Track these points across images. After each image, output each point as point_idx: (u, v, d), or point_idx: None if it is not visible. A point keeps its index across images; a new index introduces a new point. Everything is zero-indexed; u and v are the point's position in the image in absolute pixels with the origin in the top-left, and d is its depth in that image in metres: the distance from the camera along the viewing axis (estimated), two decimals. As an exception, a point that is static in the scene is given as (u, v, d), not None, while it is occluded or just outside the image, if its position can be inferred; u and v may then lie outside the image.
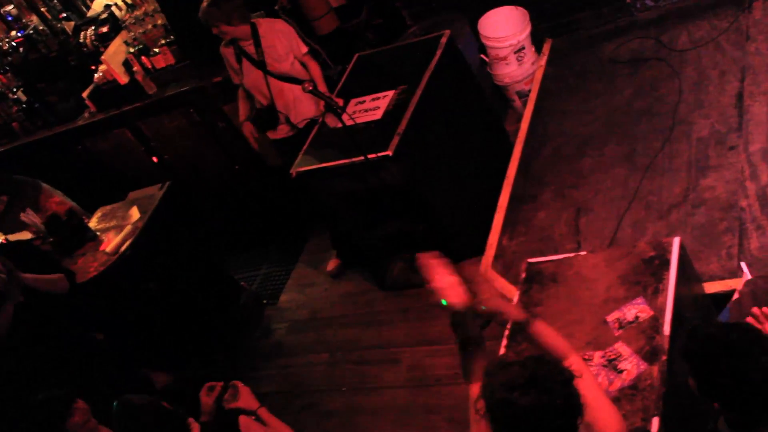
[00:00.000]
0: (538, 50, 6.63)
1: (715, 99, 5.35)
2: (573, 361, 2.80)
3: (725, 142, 5.05)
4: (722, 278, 4.32)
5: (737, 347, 2.64)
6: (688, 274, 4.03)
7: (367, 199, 5.59)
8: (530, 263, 4.30)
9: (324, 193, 5.70)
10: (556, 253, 4.66)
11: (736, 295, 3.59)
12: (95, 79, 7.41)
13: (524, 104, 6.43)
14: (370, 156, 5.04)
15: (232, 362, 6.24)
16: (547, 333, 2.88)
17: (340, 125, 5.16)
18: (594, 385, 2.77)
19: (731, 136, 5.06)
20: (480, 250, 5.36)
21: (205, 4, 5.67)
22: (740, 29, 5.69)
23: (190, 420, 3.97)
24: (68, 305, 5.37)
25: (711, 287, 4.28)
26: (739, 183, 4.75)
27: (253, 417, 4.00)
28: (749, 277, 3.79)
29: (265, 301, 6.86)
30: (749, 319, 3.03)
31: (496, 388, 2.47)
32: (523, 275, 4.25)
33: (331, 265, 6.60)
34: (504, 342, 3.93)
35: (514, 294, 4.24)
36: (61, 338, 5.29)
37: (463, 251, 5.47)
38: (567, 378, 2.47)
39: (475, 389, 2.75)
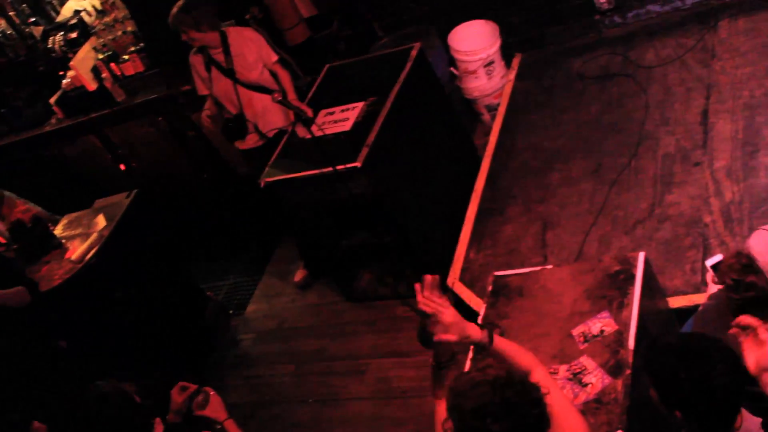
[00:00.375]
0: (508, 64, 6.68)
1: (681, 116, 5.41)
2: (538, 375, 2.81)
3: (690, 158, 5.10)
4: (686, 293, 4.36)
5: (695, 354, 2.68)
6: (652, 289, 4.07)
7: (336, 211, 5.60)
8: (497, 276, 4.31)
9: (292, 203, 5.69)
10: (523, 266, 4.69)
11: (701, 309, 3.63)
12: (63, 85, 7.36)
13: (493, 118, 6.46)
14: (338, 167, 5.05)
15: (198, 372, 6.19)
16: (509, 349, 2.86)
17: (309, 136, 5.16)
18: (559, 397, 2.78)
19: (696, 152, 5.12)
20: (447, 263, 5.37)
21: (175, 9, 5.65)
22: (706, 47, 5.77)
23: (157, 420, 3.92)
24: (30, 314, 5.32)
25: (675, 302, 4.32)
26: (703, 199, 4.81)
27: (219, 427, 3.97)
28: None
29: (231, 312, 6.83)
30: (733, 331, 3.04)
31: (466, 413, 2.46)
32: (490, 288, 4.27)
33: (299, 275, 6.58)
34: (470, 355, 3.94)
35: (481, 307, 4.26)
36: (22, 348, 5.24)
37: (429, 263, 5.50)
38: (537, 398, 2.48)
39: (441, 406, 2.75)
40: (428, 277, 2.80)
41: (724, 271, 3.08)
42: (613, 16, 6.41)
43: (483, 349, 2.83)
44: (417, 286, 2.82)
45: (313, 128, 5.13)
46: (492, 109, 6.55)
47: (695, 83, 5.58)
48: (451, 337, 2.75)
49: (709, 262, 3.62)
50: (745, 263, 3.04)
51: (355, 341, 5.84)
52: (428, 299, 2.77)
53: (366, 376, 5.57)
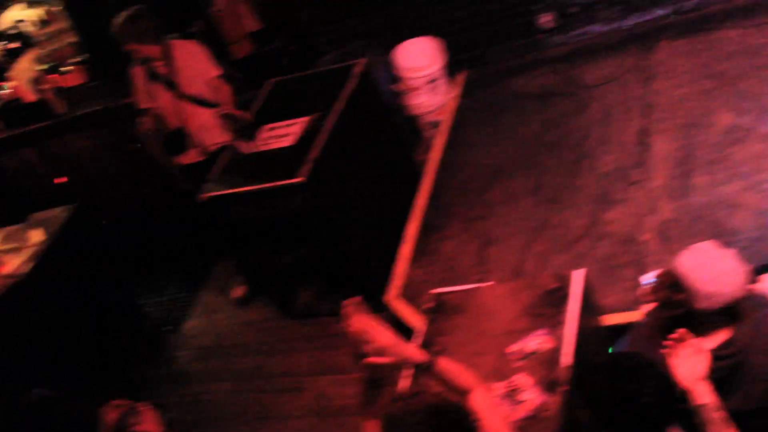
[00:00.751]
0: (452, 82, 6.71)
1: (620, 135, 5.49)
2: (477, 395, 2.78)
3: (628, 177, 5.17)
4: (622, 311, 4.39)
5: (624, 373, 2.71)
6: (589, 307, 4.08)
7: (277, 226, 5.54)
8: (435, 294, 4.30)
9: (233, 218, 5.63)
10: (463, 283, 4.68)
11: (635, 326, 3.65)
12: (2, 96, 7.23)
13: (435, 135, 6.47)
14: (280, 182, 5.02)
15: (133, 390, 6.08)
16: (451, 370, 2.80)
17: (251, 151, 5.12)
18: (495, 420, 2.76)
19: (634, 171, 5.18)
20: (387, 279, 5.36)
21: (118, 20, 5.58)
22: (645, 68, 5.86)
23: None
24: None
25: (611, 319, 4.35)
26: (640, 217, 4.87)
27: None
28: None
29: (168, 327, 6.72)
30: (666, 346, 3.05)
31: None
32: (428, 305, 4.25)
33: (238, 291, 6.50)
34: (405, 372, 3.92)
35: (419, 324, 4.24)
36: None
37: (370, 280, 5.48)
38: (470, 426, 2.47)
39: (370, 426, 2.72)
40: (348, 303, 2.68)
41: (654, 288, 3.11)
42: (555, 36, 6.48)
43: (425, 370, 2.76)
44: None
45: (256, 143, 5.09)
46: (435, 126, 6.57)
47: (634, 103, 5.67)
48: (384, 360, 2.64)
49: (643, 280, 3.66)
50: (674, 281, 3.07)
51: (293, 358, 5.77)
52: (357, 323, 2.63)
53: (304, 394, 5.51)
